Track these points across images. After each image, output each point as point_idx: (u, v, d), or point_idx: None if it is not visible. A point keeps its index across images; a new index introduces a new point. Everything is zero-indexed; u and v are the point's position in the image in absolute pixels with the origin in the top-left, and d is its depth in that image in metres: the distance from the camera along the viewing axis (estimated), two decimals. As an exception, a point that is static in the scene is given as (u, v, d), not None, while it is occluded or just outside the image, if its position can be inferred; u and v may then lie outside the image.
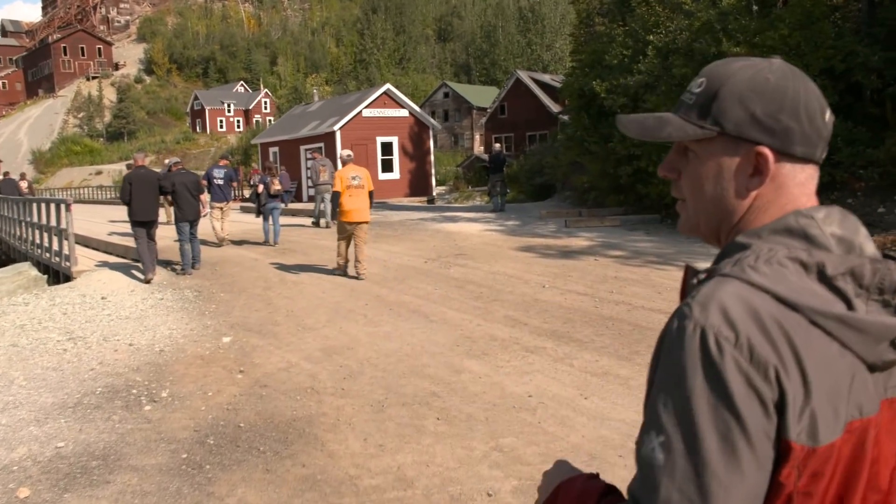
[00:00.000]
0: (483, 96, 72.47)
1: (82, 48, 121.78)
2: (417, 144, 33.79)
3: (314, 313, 8.93)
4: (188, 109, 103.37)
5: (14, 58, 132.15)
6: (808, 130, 1.01)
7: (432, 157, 34.72)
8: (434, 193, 35.04)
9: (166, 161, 13.37)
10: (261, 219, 15.82)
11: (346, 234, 10.93)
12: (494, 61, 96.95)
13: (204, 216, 12.74)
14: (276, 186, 15.45)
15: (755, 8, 15.18)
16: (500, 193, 21.17)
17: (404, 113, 33.24)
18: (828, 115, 1.04)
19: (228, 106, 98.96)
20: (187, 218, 12.31)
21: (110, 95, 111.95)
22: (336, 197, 10.88)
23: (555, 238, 14.70)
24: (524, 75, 54.74)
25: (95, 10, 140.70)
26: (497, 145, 21.62)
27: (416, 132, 33.73)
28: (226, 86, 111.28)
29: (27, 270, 11.44)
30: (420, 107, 68.05)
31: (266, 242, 15.43)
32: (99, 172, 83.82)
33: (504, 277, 10.54)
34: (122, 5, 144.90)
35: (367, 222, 10.95)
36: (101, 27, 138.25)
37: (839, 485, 0.92)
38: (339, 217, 10.95)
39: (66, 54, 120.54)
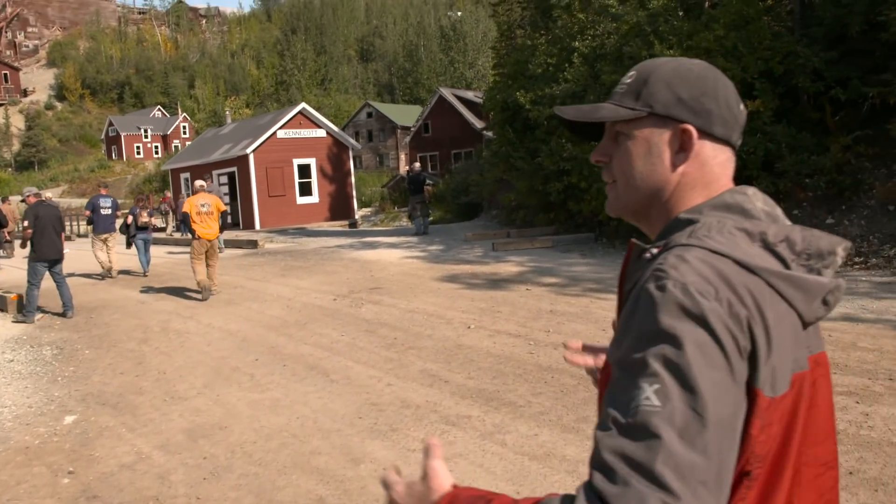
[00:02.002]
0: (407, 115, 71.31)
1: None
2: (337, 166, 32.16)
3: (190, 375, 7.31)
4: (103, 136, 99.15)
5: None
6: (726, 114, 1.12)
7: (353, 179, 33.13)
8: (357, 216, 33.45)
9: (24, 190, 11.68)
10: (133, 249, 15.75)
11: (200, 254, 11.67)
12: (417, 80, 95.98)
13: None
14: (144, 218, 15.25)
15: (681, 13, 14.19)
16: (421, 215, 19.75)
17: (321, 133, 31.59)
18: (742, 106, 1.15)
19: (145, 131, 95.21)
20: (47, 257, 10.66)
21: (18, 123, 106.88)
22: (186, 218, 11.87)
23: (481, 264, 13.32)
24: (447, 93, 53.72)
25: (1, 34, 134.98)
26: (417, 164, 20.23)
27: (336, 153, 32.11)
28: (142, 111, 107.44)
29: None
30: (343, 127, 66.65)
31: (145, 274, 15.25)
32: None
33: (423, 317, 9.07)
34: (29, 29, 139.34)
35: (214, 242, 11.93)
36: (8, 52, 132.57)
37: (781, 434, 0.97)
38: (193, 238, 11.86)
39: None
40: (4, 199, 25.61)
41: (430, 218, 22.28)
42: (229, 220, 22.22)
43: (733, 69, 12.41)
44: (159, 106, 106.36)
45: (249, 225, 29.47)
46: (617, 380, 0.95)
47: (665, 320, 0.92)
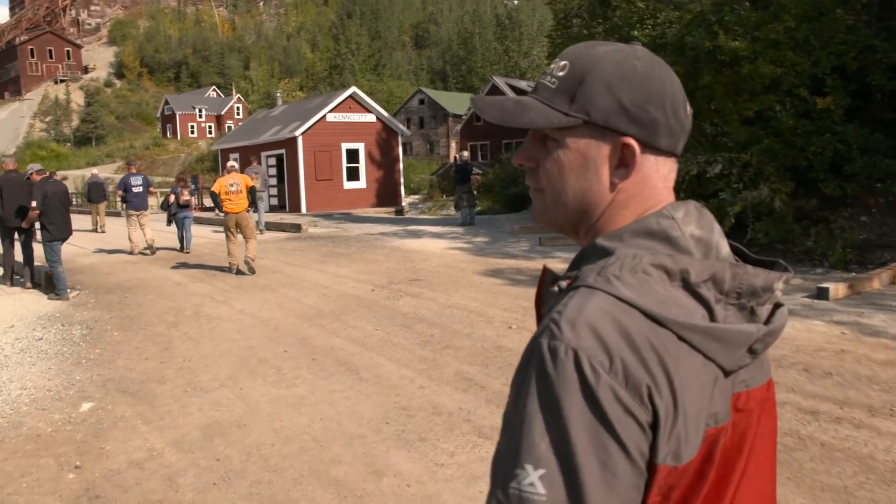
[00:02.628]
0: (459, 103, 70.85)
1: (50, 50, 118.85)
2: (386, 151, 31.86)
3: (215, 364, 6.99)
4: (159, 114, 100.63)
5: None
6: (673, 123, 0.99)
7: (401, 165, 32.78)
8: (404, 203, 33.10)
9: (28, 167, 11.52)
10: (173, 227, 16.16)
11: (231, 229, 12.27)
12: (471, 68, 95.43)
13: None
14: (185, 197, 15.54)
15: (748, 2, 13.47)
16: (468, 205, 19.28)
17: (371, 118, 31.28)
18: (688, 107, 1.02)
19: (200, 111, 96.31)
20: (61, 237, 10.60)
21: (78, 99, 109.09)
22: (215, 197, 12.41)
23: (527, 259, 12.83)
24: (500, 81, 53.11)
25: (65, 11, 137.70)
26: (465, 153, 19.71)
27: (385, 138, 31.80)
28: (198, 90, 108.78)
29: None
30: (395, 113, 66.44)
31: (180, 249, 15.68)
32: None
33: (462, 313, 8.64)
34: (92, 7, 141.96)
35: (245, 217, 12.37)
36: (71, 29, 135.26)
37: (682, 495, 0.91)
38: (224, 214, 12.54)
39: (33, 56, 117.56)
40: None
41: (477, 208, 21.84)
42: (267, 198, 22.14)
43: (803, 63, 11.71)
44: (214, 86, 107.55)
45: (296, 208, 29.35)
46: (504, 446, 0.88)
47: (553, 396, 0.84)
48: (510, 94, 50.32)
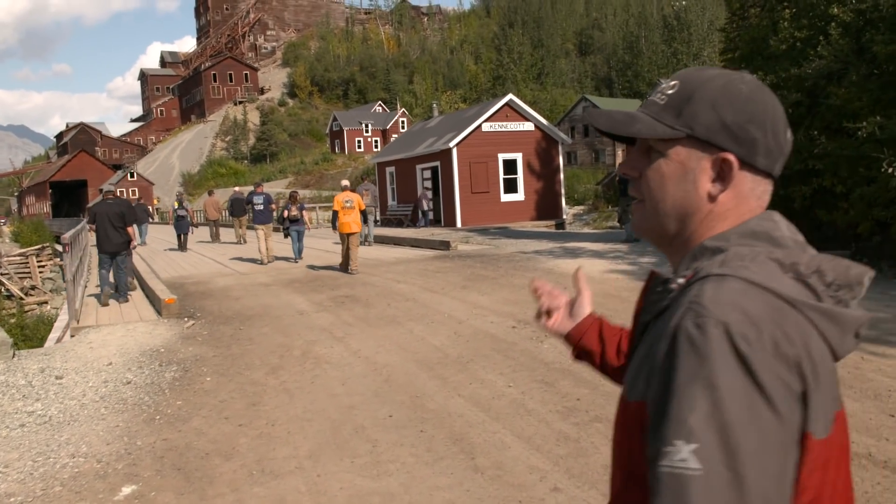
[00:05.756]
0: (626, 109, 67.90)
1: (230, 74, 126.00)
2: (545, 161, 29.99)
3: (301, 432, 5.55)
4: (328, 130, 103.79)
5: (171, 86, 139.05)
6: (772, 144, 1.02)
7: (562, 176, 30.78)
8: (565, 216, 31.06)
9: (103, 187, 12.21)
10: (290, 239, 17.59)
11: (344, 240, 14.35)
12: (637, 73, 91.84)
13: (134, 247, 12.15)
14: (294, 212, 16.93)
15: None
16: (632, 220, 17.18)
17: (529, 126, 29.53)
18: (789, 133, 1.04)
19: (366, 126, 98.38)
20: (103, 250, 11.52)
21: (254, 119, 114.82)
22: (335, 215, 14.54)
23: (703, 285, 10.70)
24: (669, 84, 50.02)
25: (244, 38, 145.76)
26: (630, 160, 17.60)
27: (544, 148, 29.94)
28: (364, 106, 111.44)
29: (-14, 333, 8.72)
30: (559, 122, 64.60)
31: (293, 259, 17.12)
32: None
33: (621, 364, 6.80)
34: (268, 32, 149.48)
35: (355, 233, 14.33)
36: (249, 54, 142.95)
37: (820, 481, 0.90)
38: (337, 228, 14.48)
39: (215, 81, 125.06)
40: (210, 193, 26.41)
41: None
42: (377, 217, 21.85)
43: None
44: (380, 101, 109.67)
45: (451, 223, 28.15)
46: (654, 432, 0.87)
47: (706, 369, 0.83)
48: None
